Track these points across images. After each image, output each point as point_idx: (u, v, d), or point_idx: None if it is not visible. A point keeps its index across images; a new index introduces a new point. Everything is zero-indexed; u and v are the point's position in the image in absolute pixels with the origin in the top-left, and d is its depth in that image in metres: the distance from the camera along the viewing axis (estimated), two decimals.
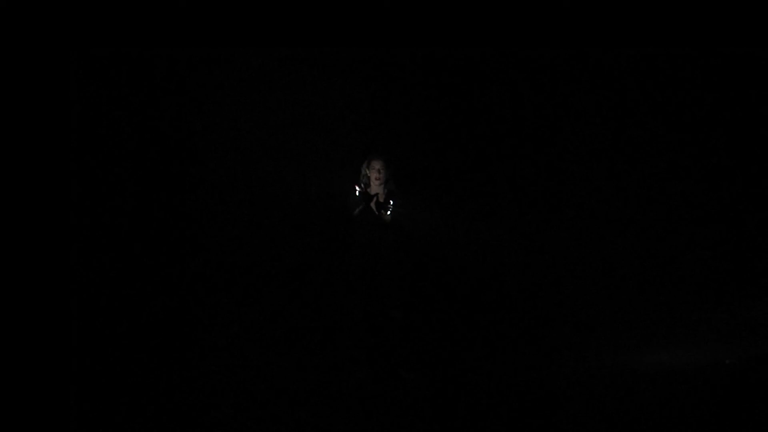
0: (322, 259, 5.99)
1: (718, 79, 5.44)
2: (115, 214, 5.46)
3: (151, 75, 5.47)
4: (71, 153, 4.42)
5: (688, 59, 5.42)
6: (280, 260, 6.03)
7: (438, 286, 6.03)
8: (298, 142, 6.01)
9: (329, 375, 5.53)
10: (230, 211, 5.99)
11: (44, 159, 4.28)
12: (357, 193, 5.27)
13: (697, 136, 5.69)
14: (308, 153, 6.04)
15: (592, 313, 5.77)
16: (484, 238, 5.97)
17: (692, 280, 5.82)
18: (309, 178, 5.99)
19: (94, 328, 5.16)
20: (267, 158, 5.96)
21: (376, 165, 5.32)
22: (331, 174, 5.88)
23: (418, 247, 5.61)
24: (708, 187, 5.68)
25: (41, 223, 4.25)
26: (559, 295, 5.89)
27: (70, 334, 4.29)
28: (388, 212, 5.26)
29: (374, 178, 5.31)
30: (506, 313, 5.96)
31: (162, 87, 5.55)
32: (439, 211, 5.84)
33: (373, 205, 5.28)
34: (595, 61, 5.65)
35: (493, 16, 5.23)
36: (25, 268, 4.17)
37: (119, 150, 5.50)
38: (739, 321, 5.63)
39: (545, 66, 5.75)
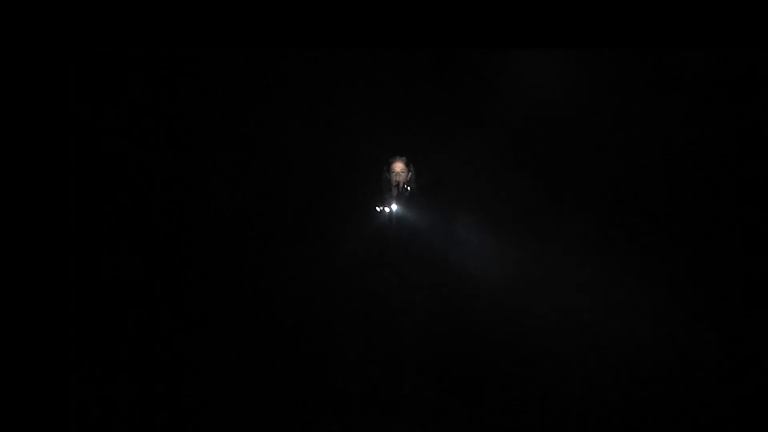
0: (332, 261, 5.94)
1: (718, 79, 5.41)
2: (116, 214, 5.46)
3: (151, 75, 5.47)
4: (71, 153, 4.41)
5: (689, 59, 5.39)
6: (282, 261, 6.01)
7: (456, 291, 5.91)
8: (300, 142, 5.99)
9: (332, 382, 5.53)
10: (232, 213, 5.97)
11: (44, 159, 4.28)
12: (379, 210, 5.31)
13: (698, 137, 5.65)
14: (309, 154, 6.01)
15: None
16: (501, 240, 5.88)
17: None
18: (311, 179, 5.97)
19: (94, 328, 5.15)
20: (268, 159, 5.94)
21: (396, 168, 5.32)
22: (339, 176, 5.87)
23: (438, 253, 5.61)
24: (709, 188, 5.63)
25: (41, 223, 4.25)
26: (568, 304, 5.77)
27: (70, 334, 4.29)
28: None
29: (395, 182, 5.31)
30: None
31: (162, 87, 5.54)
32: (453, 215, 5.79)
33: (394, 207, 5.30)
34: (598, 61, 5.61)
35: (499, 16, 5.22)
36: (25, 268, 4.17)
37: (119, 150, 5.49)
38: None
39: (554, 66, 5.70)
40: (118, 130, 5.41)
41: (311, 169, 5.89)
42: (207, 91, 5.72)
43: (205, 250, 5.78)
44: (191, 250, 5.76)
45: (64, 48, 4.47)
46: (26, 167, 4.25)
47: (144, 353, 5.36)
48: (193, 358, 5.56)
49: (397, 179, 5.33)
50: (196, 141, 5.75)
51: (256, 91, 5.75)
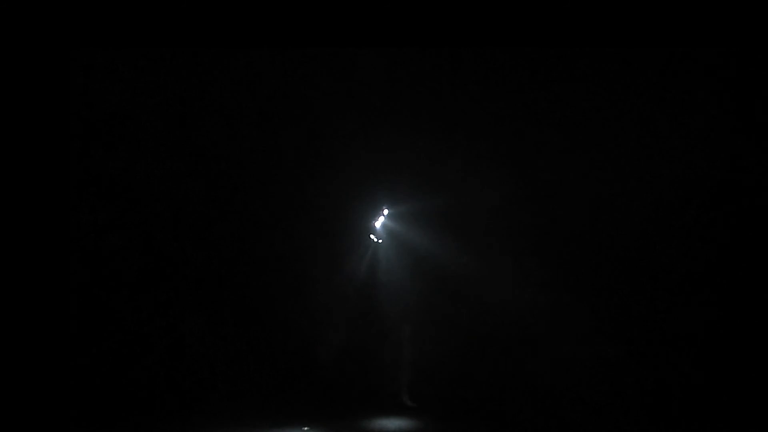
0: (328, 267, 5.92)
1: (718, 79, 5.38)
2: (115, 214, 5.45)
3: (151, 75, 5.46)
4: (71, 152, 4.41)
5: (688, 59, 5.37)
6: (283, 262, 5.97)
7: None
8: (300, 142, 5.95)
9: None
10: (230, 212, 5.94)
11: (44, 158, 4.27)
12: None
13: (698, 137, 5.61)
14: (311, 154, 5.97)
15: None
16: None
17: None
18: (312, 178, 5.94)
19: (93, 328, 5.14)
20: (269, 160, 5.91)
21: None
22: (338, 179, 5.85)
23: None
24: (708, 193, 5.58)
25: (41, 223, 4.24)
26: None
27: (69, 334, 4.27)
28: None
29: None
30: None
31: (161, 87, 5.53)
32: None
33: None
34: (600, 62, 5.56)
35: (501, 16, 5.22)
36: (25, 268, 4.16)
37: (119, 150, 5.48)
38: None
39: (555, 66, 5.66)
40: (116, 130, 5.40)
41: (306, 167, 5.88)
42: (206, 91, 5.69)
43: (204, 254, 5.75)
44: (190, 251, 5.73)
45: (64, 48, 4.46)
46: (26, 167, 4.24)
47: (144, 354, 5.36)
48: (191, 358, 5.55)
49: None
50: (196, 141, 5.74)
51: (254, 90, 5.72)
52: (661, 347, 5.43)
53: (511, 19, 5.15)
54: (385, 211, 5.59)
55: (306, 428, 4.75)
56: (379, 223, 5.56)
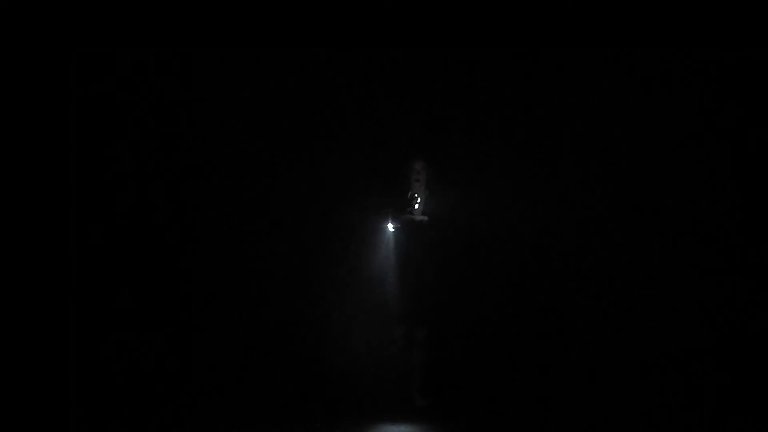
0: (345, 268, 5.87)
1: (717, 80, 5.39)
2: (116, 215, 5.45)
3: (151, 75, 5.46)
4: (71, 153, 4.42)
5: (688, 59, 5.37)
6: (287, 265, 5.94)
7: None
8: (302, 143, 5.94)
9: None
10: (234, 214, 5.93)
11: (44, 158, 4.28)
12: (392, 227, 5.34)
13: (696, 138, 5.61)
14: (315, 155, 5.95)
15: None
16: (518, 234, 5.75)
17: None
18: (318, 179, 5.92)
19: (93, 329, 5.14)
20: (270, 159, 5.90)
21: (417, 166, 5.36)
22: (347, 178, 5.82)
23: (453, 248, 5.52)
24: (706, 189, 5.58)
25: (41, 223, 4.25)
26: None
27: (70, 334, 4.29)
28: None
29: (415, 180, 5.34)
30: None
31: (163, 87, 5.53)
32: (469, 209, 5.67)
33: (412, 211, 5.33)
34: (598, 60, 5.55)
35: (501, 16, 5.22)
36: (26, 269, 4.17)
37: (119, 150, 5.48)
38: None
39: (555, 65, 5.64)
40: (117, 130, 5.40)
41: (309, 167, 5.86)
42: (208, 91, 5.70)
43: (208, 257, 5.74)
44: (193, 255, 5.73)
45: (64, 48, 4.47)
46: (26, 167, 4.25)
47: (144, 356, 5.36)
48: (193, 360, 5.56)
49: (418, 177, 5.36)
50: (197, 141, 5.74)
51: (255, 90, 5.72)
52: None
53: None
54: (419, 199, 5.42)
55: (318, 424, 4.76)
56: (415, 209, 5.38)
